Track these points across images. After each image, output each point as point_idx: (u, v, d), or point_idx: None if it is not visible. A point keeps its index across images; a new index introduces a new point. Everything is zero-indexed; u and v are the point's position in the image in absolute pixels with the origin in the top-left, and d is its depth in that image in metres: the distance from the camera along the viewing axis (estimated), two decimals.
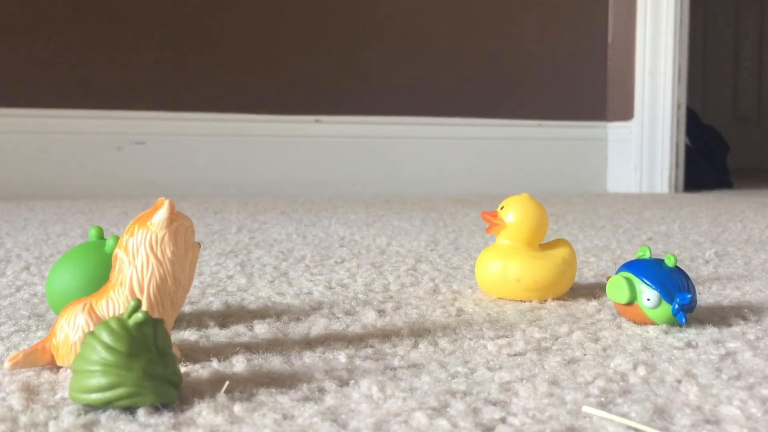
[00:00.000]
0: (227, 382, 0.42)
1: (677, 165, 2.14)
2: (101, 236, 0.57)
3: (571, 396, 0.41)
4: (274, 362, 0.47)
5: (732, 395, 0.41)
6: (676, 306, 0.54)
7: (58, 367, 0.45)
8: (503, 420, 0.38)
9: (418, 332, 0.55)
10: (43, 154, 1.75)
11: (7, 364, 0.44)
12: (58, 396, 0.41)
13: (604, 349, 0.50)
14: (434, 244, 1.01)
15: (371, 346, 0.51)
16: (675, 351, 0.50)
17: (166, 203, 0.45)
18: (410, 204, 1.66)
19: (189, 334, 0.53)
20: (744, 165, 3.52)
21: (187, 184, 1.86)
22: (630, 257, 0.91)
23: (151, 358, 0.38)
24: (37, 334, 0.54)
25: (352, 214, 1.41)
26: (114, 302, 0.45)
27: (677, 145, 2.13)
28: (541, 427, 0.37)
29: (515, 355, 0.49)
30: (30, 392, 0.41)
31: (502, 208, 0.68)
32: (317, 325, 0.56)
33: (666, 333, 0.55)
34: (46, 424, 0.37)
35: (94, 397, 0.37)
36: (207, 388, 0.41)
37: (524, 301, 0.66)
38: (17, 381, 0.43)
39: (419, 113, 2.05)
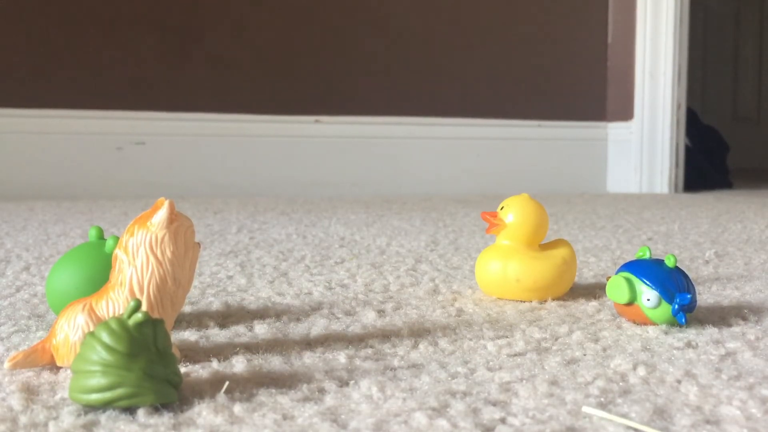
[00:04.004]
0: (227, 383, 0.42)
1: (677, 165, 2.14)
2: (101, 236, 0.57)
3: (571, 396, 0.41)
4: (274, 362, 0.47)
5: (732, 395, 0.41)
6: (676, 306, 0.54)
7: (58, 368, 0.45)
8: (503, 420, 0.38)
9: (418, 332, 0.55)
10: (43, 154, 1.75)
11: (7, 365, 0.44)
12: (57, 396, 0.41)
13: (604, 350, 0.50)
14: (434, 245, 1.01)
15: (371, 347, 0.51)
16: (675, 351, 0.50)
17: (166, 203, 0.45)
18: (410, 204, 1.66)
19: (189, 335, 0.53)
20: (744, 165, 3.52)
21: (187, 184, 1.86)
22: (630, 257, 0.91)
23: (151, 359, 0.38)
24: (37, 335, 0.54)
25: (352, 214, 1.41)
26: (114, 302, 0.45)
27: (677, 145, 2.13)
28: (541, 428, 0.37)
29: (515, 355, 0.49)
30: (30, 392, 0.41)
31: (502, 208, 0.68)
32: (317, 326, 0.56)
33: (666, 333, 0.55)
34: (46, 425, 0.37)
35: (94, 397, 0.37)
36: (207, 389, 0.41)
37: (524, 302, 0.66)
38: (17, 381, 0.43)
39: (419, 113, 2.05)
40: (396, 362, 0.47)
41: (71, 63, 1.78)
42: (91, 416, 0.38)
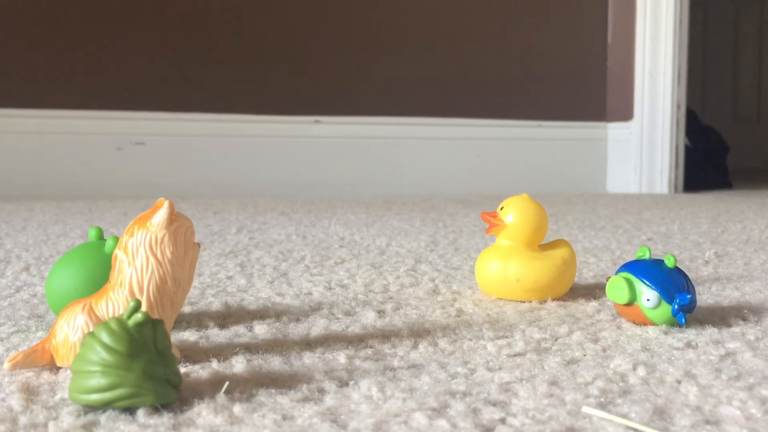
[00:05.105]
0: (227, 383, 0.42)
1: (677, 165, 2.14)
2: (101, 237, 0.57)
3: (570, 396, 0.41)
4: (274, 363, 0.47)
5: (732, 396, 0.41)
6: (676, 306, 0.54)
7: (58, 368, 0.45)
8: (503, 420, 0.38)
9: (418, 333, 0.55)
10: (43, 154, 1.75)
11: (6, 365, 0.44)
12: (57, 397, 0.41)
13: (604, 350, 0.50)
14: (434, 245, 1.01)
15: (371, 347, 0.51)
16: (675, 351, 0.50)
17: (166, 204, 0.45)
18: (410, 204, 1.66)
19: (189, 335, 0.53)
20: (744, 165, 3.52)
21: (187, 184, 1.86)
22: (630, 258, 0.91)
23: (151, 359, 0.38)
24: (37, 335, 0.54)
25: (351, 214, 1.41)
26: (114, 303, 0.45)
27: (677, 145, 2.13)
28: (541, 428, 0.37)
29: (515, 355, 0.49)
30: (30, 393, 0.41)
31: (501, 208, 0.68)
32: (317, 326, 0.56)
33: (666, 333, 0.55)
34: (45, 425, 0.37)
35: (94, 397, 0.37)
36: (207, 389, 0.41)
37: (524, 302, 0.66)
38: (17, 382, 0.43)
39: (419, 113, 2.05)
40: (396, 362, 0.47)
41: (71, 63, 1.78)
42: (90, 416, 0.38)
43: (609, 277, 0.59)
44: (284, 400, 0.40)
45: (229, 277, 0.76)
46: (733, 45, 3.81)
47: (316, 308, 0.63)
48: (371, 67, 2.01)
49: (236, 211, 1.46)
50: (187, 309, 0.62)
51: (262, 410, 0.39)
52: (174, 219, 0.45)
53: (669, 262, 0.56)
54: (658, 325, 0.56)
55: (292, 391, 0.41)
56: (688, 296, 0.54)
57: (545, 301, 0.66)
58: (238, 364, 0.46)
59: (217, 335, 0.54)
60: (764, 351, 0.50)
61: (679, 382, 0.44)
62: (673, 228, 1.23)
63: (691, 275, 0.78)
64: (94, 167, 1.79)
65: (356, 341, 0.52)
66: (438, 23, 2.07)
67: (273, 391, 0.41)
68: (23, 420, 0.37)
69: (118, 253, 0.45)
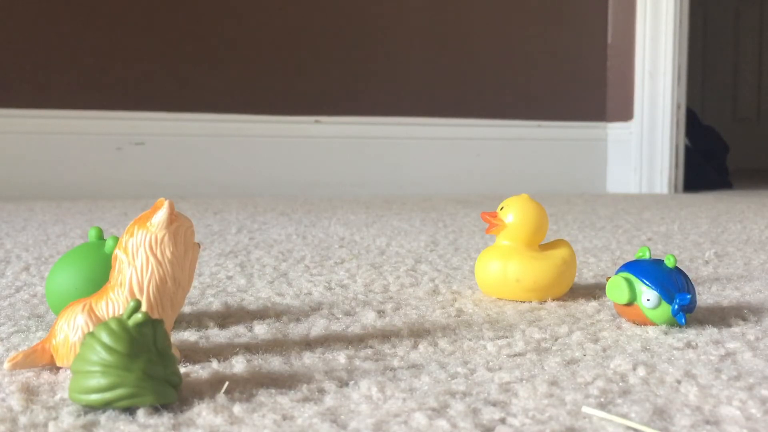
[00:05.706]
0: (227, 383, 0.42)
1: (677, 165, 2.14)
2: (101, 237, 0.57)
3: (570, 396, 0.41)
4: (274, 363, 0.47)
5: (732, 396, 0.41)
6: (676, 306, 0.54)
7: (58, 368, 0.45)
8: (503, 420, 0.38)
9: (418, 333, 0.55)
10: (43, 154, 1.75)
11: (6, 365, 0.44)
12: (57, 397, 0.41)
13: (604, 350, 0.50)
14: (434, 245, 1.01)
15: (371, 347, 0.51)
16: (675, 351, 0.50)
17: (166, 204, 0.45)
18: (410, 204, 1.66)
19: (189, 335, 0.53)
20: (744, 165, 3.52)
21: (187, 184, 1.86)
22: (629, 258, 0.91)
23: (151, 359, 0.38)
24: (37, 335, 0.54)
25: (351, 214, 1.41)
26: (114, 303, 0.45)
27: (677, 145, 2.13)
28: (541, 428, 0.37)
29: (515, 355, 0.49)
30: (30, 393, 0.41)
31: (501, 208, 0.68)
32: (317, 326, 0.56)
33: (666, 333, 0.55)
34: (45, 425, 0.37)
35: (94, 397, 0.37)
36: (207, 389, 0.41)
37: (524, 302, 0.66)
38: (17, 382, 0.43)
39: (419, 114, 2.05)
40: (396, 362, 0.47)
41: (71, 63, 1.78)
42: (90, 417, 0.38)
43: (609, 277, 0.59)
44: (284, 400, 0.40)
45: (229, 277, 0.76)
46: (733, 45, 3.80)
47: (316, 308, 0.63)
48: (371, 67, 2.01)
49: (236, 211, 1.46)
50: (187, 309, 0.62)
51: (262, 410, 0.39)
52: (174, 219, 0.45)
53: (669, 262, 0.56)
54: (658, 325, 0.56)
55: (292, 391, 0.41)
56: (688, 296, 0.54)
57: (545, 301, 0.66)
58: (238, 364, 0.46)
59: (217, 335, 0.54)
60: (764, 351, 0.50)
61: (679, 382, 0.44)
62: (673, 228, 1.23)
63: (691, 275, 0.78)
64: (94, 167, 1.79)
65: (356, 341, 0.52)
66: (438, 23, 2.07)
67: (273, 391, 0.41)
68: (23, 420, 0.37)
69: (118, 253, 0.45)
